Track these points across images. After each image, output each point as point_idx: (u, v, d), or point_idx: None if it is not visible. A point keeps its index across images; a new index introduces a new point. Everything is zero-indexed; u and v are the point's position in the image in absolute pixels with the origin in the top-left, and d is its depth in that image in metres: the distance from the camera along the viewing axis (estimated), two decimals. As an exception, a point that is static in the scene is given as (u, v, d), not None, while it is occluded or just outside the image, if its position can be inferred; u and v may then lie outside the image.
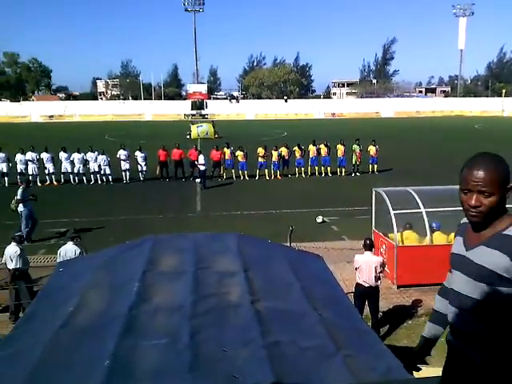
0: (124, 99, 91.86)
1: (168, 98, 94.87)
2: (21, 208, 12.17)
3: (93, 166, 19.98)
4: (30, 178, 19.37)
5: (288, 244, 8.40)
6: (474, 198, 1.93)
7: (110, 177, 20.09)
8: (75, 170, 20.01)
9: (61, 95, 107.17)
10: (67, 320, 3.39)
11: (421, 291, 8.92)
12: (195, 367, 2.73)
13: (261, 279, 3.96)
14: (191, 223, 13.62)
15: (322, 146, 21.36)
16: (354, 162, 21.58)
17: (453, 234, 9.35)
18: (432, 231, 9.43)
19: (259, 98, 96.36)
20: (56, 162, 20.01)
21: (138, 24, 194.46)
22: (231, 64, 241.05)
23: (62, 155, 19.99)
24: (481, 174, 1.91)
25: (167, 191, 18.58)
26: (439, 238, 9.43)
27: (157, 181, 20.23)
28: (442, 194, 9.16)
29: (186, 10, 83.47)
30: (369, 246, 7.51)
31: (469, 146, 31.17)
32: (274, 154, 20.86)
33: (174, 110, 70.04)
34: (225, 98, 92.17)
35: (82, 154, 20.02)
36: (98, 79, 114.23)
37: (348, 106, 76.03)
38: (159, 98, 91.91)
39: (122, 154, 20.28)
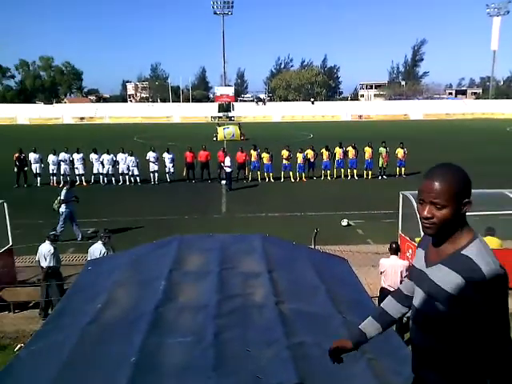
0: (153, 102, 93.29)
1: (196, 100, 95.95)
2: (62, 208, 12.44)
3: (122, 167, 20.43)
4: (62, 178, 20.00)
5: (312, 246, 8.37)
6: (427, 209, 1.89)
7: (137, 178, 20.45)
8: (105, 171, 20.48)
9: (92, 98, 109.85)
10: (95, 316, 3.48)
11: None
12: (219, 365, 2.77)
13: (285, 281, 3.97)
14: (216, 224, 13.71)
15: (349, 148, 21.14)
16: (380, 165, 21.31)
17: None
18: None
19: (286, 100, 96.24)
20: (86, 162, 20.52)
21: (167, 28, 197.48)
22: (258, 66, 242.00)
23: (93, 156, 20.50)
24: (434, 185, 1.86)
25: (193, 192, 18.78)
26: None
27: (183, 182, 20.49)
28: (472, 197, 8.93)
29: (215, 13, 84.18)
30: (395, 250, 7.41)
31: (499, 149, 30.44)
32: (299, 156, 20.79)
33: (202, 113, 70.66)
34: (252, 101, 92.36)
35: (112, 155, 20.47)
36: (127, 82, 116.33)
37: (376, 108, 75.02)
38: (187, 100, 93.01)
39: (151, 156, 20.63)
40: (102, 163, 20.40)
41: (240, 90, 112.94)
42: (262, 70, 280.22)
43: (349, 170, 21.26)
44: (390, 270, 7.20)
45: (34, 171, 20.24)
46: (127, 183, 20.48)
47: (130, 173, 20.41)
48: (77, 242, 12.21)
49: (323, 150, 21.03)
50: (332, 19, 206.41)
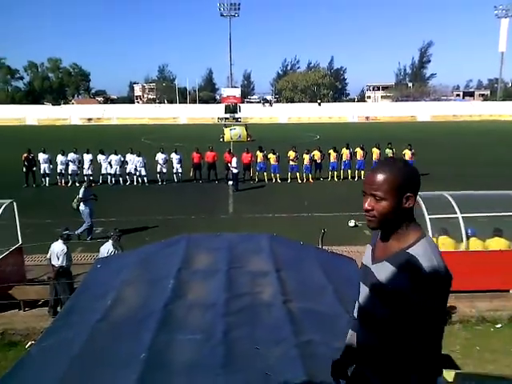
0: (160, 103, 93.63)
1: (202, 101, 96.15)
2: (82, 207, 12.65)
3: (130, 168, 20.56)
4: (69, 178, 20.16)
5: (320, 247, 8.37)
6: (368, 201, 1.87)
7: (145, 178, 20.56)
8: (112, 172, 20.62)
9: (99, 99, 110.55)
10: (105, 314, 3.50)
11: (455, 297, 8.67)
12: (228, 363, 2.79)
13: (293, 280, 3.99)
14: (223, 224, 13.74)
15: (357, 150, 21.12)
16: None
17: (489, 240, 9.16)
18: (467, 237, 9.19)
19: (292, 101, 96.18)
20: (93, 163, 20.68)
21: (174, 29, 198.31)
22: (265, 68, 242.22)
23: (100, 157, 20.68)
24: (374, 176, 1.84)
25: (200, 193, 18.84)
26: (475, 244, 9.17)
27: (190, 183, 20.57)
28: (479, 199, 8.94)
29: (222, 15, 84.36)
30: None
31: (507, 151, 30.23)
32: (306, 157, 20.79)
33: (208, 114, 70.82)
34: (258, 102, 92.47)
35: (120, 155, 20.63)
36: (135, 83, 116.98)
37: (382, 110, 74.78)
38: (194, 101, 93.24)
39: (160, 157, 20.74)
40: (109, 163, 20.55)
41: (246, 92, 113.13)
42: (268, 72, 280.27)
43: (356, 172, 21.21)
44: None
45: (43, 171, 20.39)
46: (135, 183, 20.60)
47: (138, 173, 20.54)
48: (86, 241, 12.30)
49: (331, 151, 21.03)
50: (338, 21, 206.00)
